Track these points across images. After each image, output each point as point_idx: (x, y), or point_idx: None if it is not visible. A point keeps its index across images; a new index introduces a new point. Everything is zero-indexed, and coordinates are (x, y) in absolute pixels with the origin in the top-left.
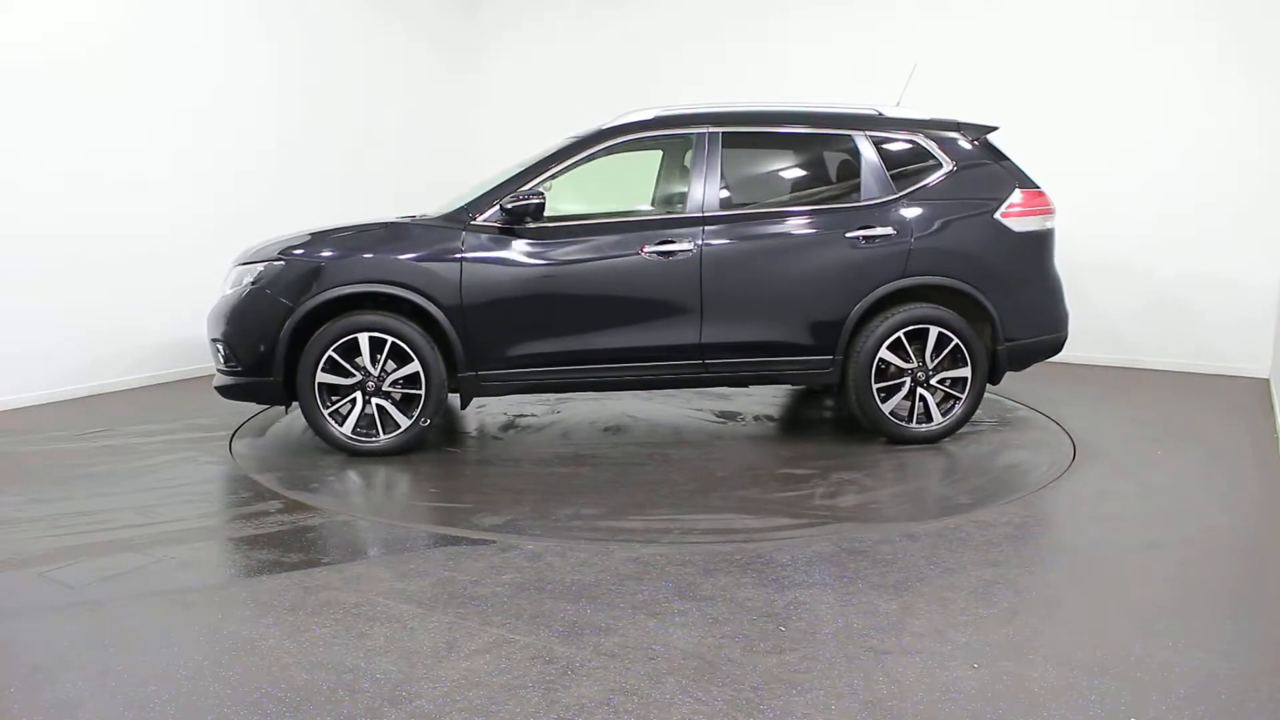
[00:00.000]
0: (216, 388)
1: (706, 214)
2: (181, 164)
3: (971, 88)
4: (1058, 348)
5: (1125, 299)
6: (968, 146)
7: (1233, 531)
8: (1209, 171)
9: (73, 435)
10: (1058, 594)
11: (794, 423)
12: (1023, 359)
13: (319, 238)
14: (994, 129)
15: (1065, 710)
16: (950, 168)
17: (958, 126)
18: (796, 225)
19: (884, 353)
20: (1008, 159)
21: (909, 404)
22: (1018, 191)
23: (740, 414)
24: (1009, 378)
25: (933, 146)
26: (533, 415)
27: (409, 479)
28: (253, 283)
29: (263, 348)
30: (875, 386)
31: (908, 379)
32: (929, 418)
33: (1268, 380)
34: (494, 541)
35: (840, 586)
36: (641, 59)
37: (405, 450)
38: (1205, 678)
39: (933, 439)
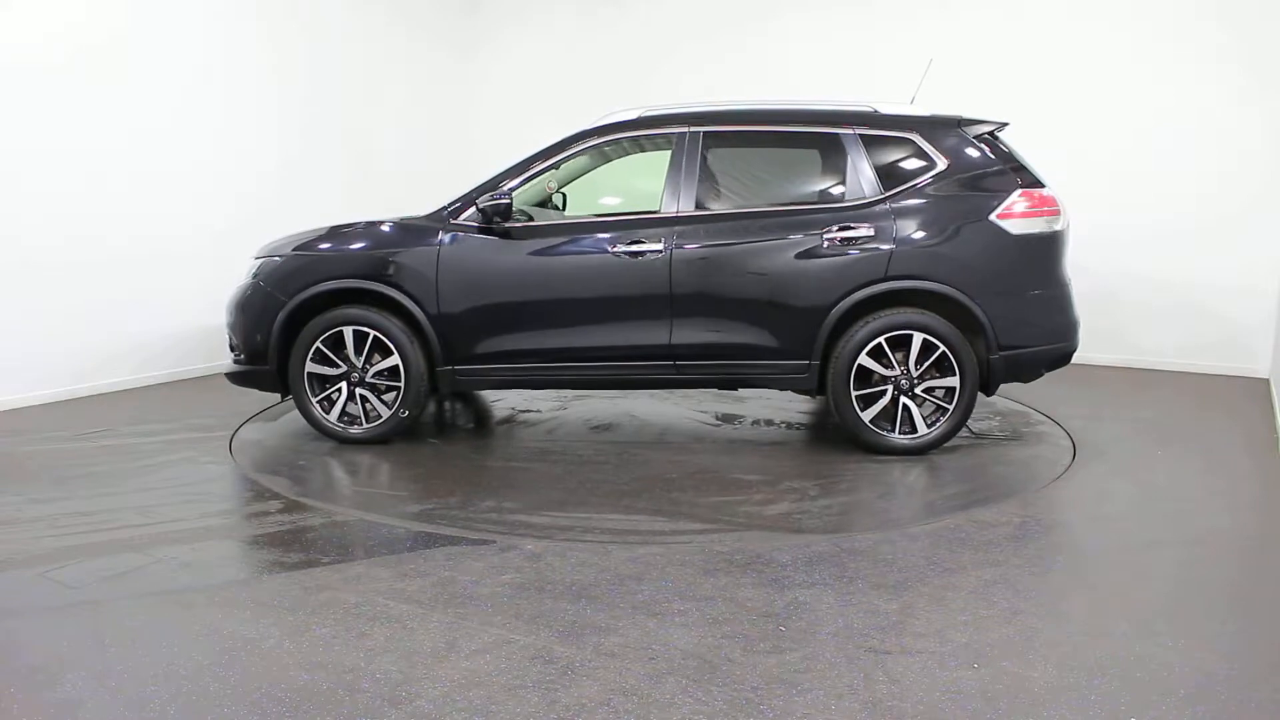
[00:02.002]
0: (225, 374)
1: (680, 214)
2: (182, 165)
3: (970, 87)
4: (1064, 358)
5: (1126, 299)
6: (967, 144)
7: (1233, 531)
8: (1209, 172)
9: (73, 435)
10: (1058, 594)
11: (798, 429)
12: (1023, 369)
13: (315, 235)
14: (1003, 125)
15: (1065, 710)
16: (944, 166)
17: (959, 123)
18: (771, 226)
19: (864, 359)
20: (1015, 158)
21: (894, 412)
22: (1019, 192)
23: (741, 417)
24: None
25: (926, 145)
26: (535, 411)
27: (378, 468)
28: (253, 276)
29: (259, 338)
30: (855, 393)
31: (889, 387)
32: (913, 428)
33: (1268, 380)
34: (494, 541)
35: (840, 586)
36: (642, 58)
37: (386, 439)
38: (1205, 678)
39: (916, 450)
